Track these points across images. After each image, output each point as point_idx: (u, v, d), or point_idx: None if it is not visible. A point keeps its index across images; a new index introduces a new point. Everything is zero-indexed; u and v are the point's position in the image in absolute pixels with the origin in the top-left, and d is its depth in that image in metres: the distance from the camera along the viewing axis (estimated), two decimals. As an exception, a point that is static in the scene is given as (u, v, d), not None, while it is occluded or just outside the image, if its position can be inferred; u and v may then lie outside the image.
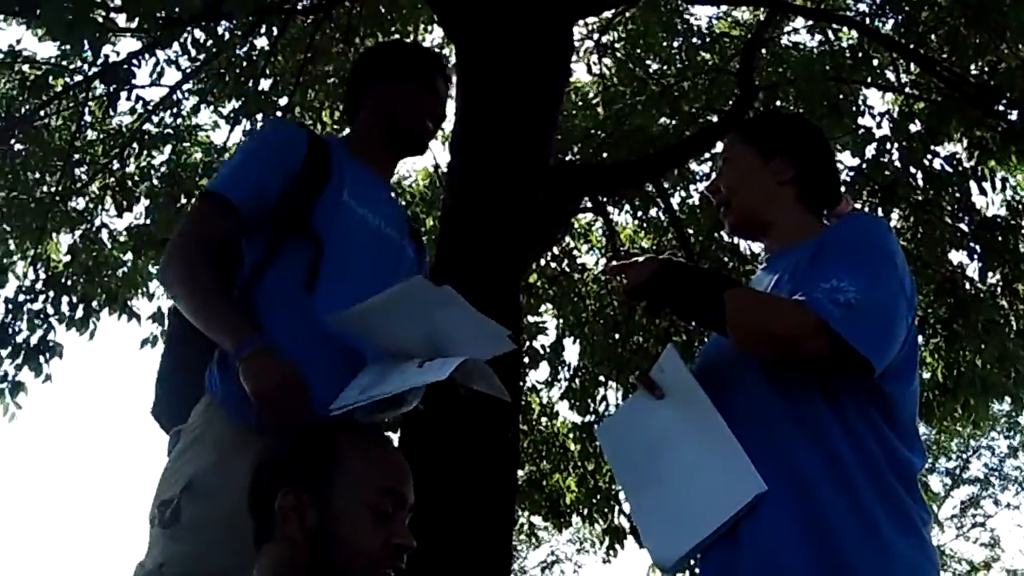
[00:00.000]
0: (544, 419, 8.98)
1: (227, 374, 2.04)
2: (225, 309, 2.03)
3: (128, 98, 6.83)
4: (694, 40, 8.16)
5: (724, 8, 8.28)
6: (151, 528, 2.00)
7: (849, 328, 1.78)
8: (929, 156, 6.45)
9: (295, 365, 1.94)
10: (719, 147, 2.29)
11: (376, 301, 1.96)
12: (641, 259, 2.06)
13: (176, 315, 2.25)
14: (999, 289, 6.67)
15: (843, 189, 2.28)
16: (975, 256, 6.50)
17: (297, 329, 2.04)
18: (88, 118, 7.60)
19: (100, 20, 5.19)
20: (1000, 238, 6.44)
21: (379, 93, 2.38)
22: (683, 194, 8.33)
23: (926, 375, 7.11)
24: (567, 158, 7.65)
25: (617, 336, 7.88)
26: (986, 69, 6.44)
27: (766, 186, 2.15)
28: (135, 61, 6.50)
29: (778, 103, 7.10)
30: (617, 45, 8.64)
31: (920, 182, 6.51)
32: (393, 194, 2.50)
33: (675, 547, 1.94)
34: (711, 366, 2.08)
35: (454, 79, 2.52)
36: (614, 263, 2.13)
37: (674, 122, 7.75)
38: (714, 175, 2.27)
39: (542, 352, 7.82)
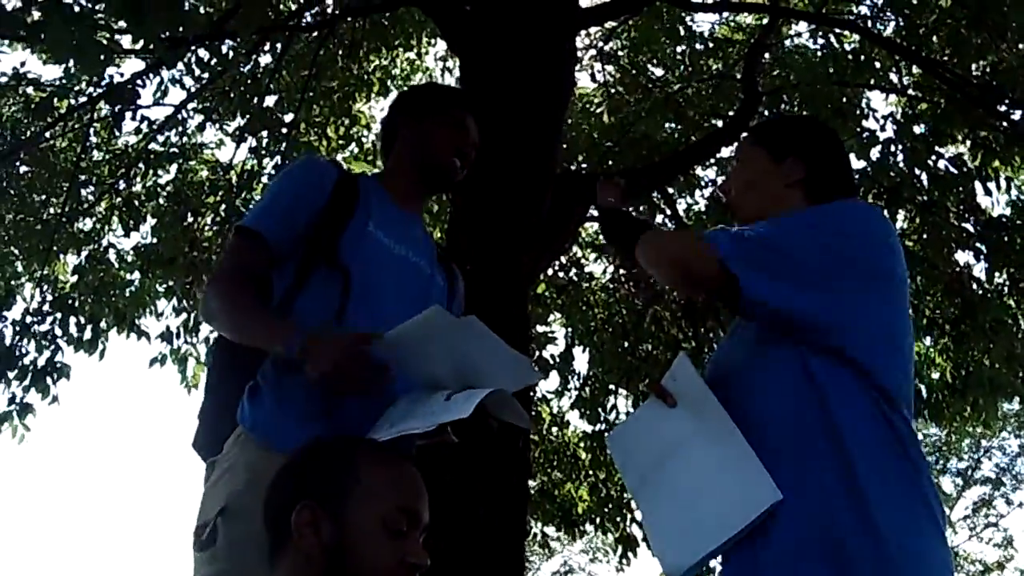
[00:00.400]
0: (555, 429, 8.98)
1: (256, 402, 2.13)
2: (268, 318, 2.12)
3: (133, 118, 6.89)
4: (697, 46, 8.18)
5: (726, 14, 8.30)
6: (193, 554, 2.05)
7: (732, 251, 1.92)
8: (933, 157, 6.46)
9: (355, 331, 2.00)
10: (725, 152, 2.33)
11: (399, 331, 1.99)
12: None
13: (217, 351, 2.35)
14: (1006, 289, 6.67)
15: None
16: (981, 256, 6.50)
17: None
18: (93, 139, 7.65)
19: (104, 42, 5.22)
20: (1006, 238, 6.43)
21: (408, 131, 2.44)
22: (689, 200, 8.34)
23: (935, 375, 7.11)
24: (573, 167, 7.66)
25: (626, 344, 7.89)
26: (988, 69, 6.44)
27: (775, 187, 2.15)
28: (139, 81, 6.53)
29: (782, 108, 7.12)
30: (621, 53, 8.66)
31: (925, 183, 6.51)
32: (424, 228, 2.54)
33: (687, 555, 1.93)
34: (722, 373, 2.07)
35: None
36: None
37: (679, 129, 7.76)
38: (724, 176, 2.31)
39: (552, 362, 7.83)
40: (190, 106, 7.37)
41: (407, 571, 1.61)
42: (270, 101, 7.53)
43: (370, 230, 2.25)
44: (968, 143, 6.65)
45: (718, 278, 1.91)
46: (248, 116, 7.13)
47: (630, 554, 8.33)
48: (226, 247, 2.35)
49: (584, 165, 7.84)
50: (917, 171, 6.47)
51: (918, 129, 6.58)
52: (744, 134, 2.33)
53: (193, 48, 6.39)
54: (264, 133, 7.39)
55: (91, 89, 6.97)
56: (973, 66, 6.56)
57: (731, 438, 1.91)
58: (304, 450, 1.73)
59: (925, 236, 6.64)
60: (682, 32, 8.12)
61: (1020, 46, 6.14)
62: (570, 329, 8.32)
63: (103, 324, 7.23)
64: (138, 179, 7.65)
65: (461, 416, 1.91)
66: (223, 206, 7.42)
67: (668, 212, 8.14)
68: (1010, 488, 20.90)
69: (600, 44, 8.58)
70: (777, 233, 1.96)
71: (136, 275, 7.54)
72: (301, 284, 2.18)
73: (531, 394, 6.73)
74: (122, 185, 7.62)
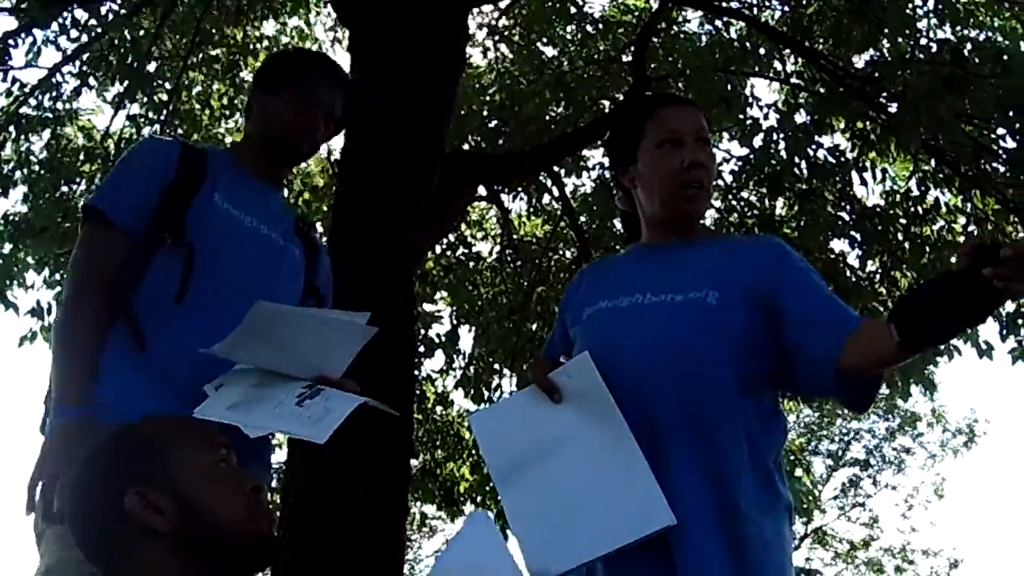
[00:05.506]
0: (439, 408, 8.97)
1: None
2: (78, 365, 2.05)
3: (3, 79, 6.58)
4: (588, 28, 8.22)
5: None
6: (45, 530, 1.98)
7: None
8: (813, 147, 6.62)
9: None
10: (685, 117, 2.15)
11: (230, 339, 1.95)
12: None
13: None
14: (878, 277, 6.88)
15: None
16: (856, 244, 6.70)
17: (168, 339, 2.09)
18: (-39, 100, 7.29)
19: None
20: (880, 227, 6.65)
21: (260, 104, 2.39)
22: (576, 181, 8.39)
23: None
24: (463, 146, 7.63)
25: (511, 324, 7.91)
26: (868, 62, 6.62)
27: None
28: (11, 41, 6.24)
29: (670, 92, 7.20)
30: (513, 32, 8.64)
31: (805, 172, 6.67)
32: (281, 199, 2.51)
33: (559, 560, 1.87)
34: (629, 369, 1.98)
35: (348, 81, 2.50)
36: None
37: (568, 110, 7.79)
38: (691, 147, 2.06)
39: (437, 340, 7.82)
40: (65, 69, 7.09)
41: (254, 496, 1.59)
42: (151, 67, 7.29)
43: (215, 202, 2.21)
44: (847, 134, 6.84)
45: None
46: (127, 82, 6.89)
47: (508, 531, 8.37)
48: (82, 237, 2.22)
49: (474, 144, 7.82)
50: (797, 160, 6.62)
51: (799, 118, 6.74)
52: (692, 105, 2.14)
53: (69, 8, 6.14)
54: (144, 100, 7.16)
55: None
56: (855, 58, 6.75)
57: (629, 452, 1.86)
58: (90, 456, 1.64)
59: (803, 223, 6.81)
60: (573, 12, 8.15)
61: (899, 40, 6.33)
62: (456, 308, 8.31)
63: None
64: (8, 144, 7.33)
65: (315, 440, 1.86)
66: (99, 175, 7.17)
67: (555, 193, 8.19)
68: (877, 470, 21.71)
69: (493, 22, 8.56)
70: None
71: (6, 245, 7.23)
72: (148, 262, 2.13)
73: (415, 372, 6.70)
74: (-9, 150, 7.30)
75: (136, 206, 2.17)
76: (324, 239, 4.80)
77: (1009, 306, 6.29)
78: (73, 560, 1.83)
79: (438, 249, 8.06)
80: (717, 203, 7.42)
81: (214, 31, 7.65)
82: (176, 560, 1.51)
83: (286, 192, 7.84)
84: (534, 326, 7.95)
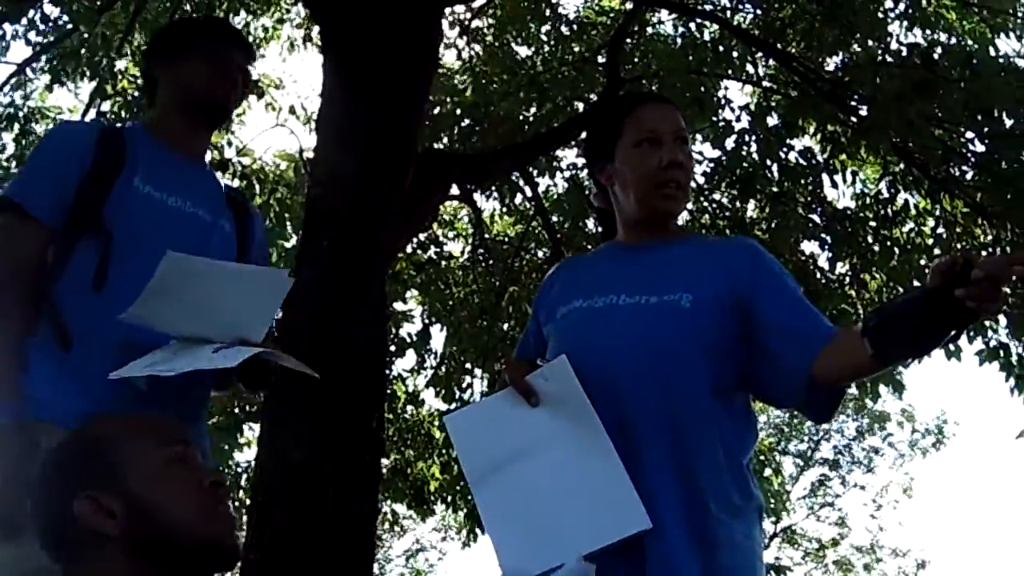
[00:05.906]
0: (410, 407, 8.95)
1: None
2: (3, 358, 2.01)
3: (-28, 74, 6.52)
4: (562, 29, 8.22)
5: (591, -2, 8.37)
6: None
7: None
8: (785, 149, 6.65)
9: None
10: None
11: (143, 296, 1.93)
12: None
13: None
14: (848, 279, 6.93)
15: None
16: (826, 246, 6.74)
17: (91, 332, 2.05)
18: (-72, 95, 7.21)
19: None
20: (849, 229, 6.69)
21: (167, 73, 2.34)
22: (549, 181, 8.39)
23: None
24: (436, 146, 7.61)
25: (483, 323, 7.90)
26: (839, 65, 6.67)
27: None
28: (-21, 36, 6.19)
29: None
30: (487, 31, 8.62)
31: (776, 174, 6.71)
32: (207, 171, 2.46)
33: (534, 563, 1.86)
34: (605, 370, 1.97)
35: (251, 49, 2.46)
36: None
37: (543, 111, 7.79)
38: (670, 147, 2.05)
39: (408, 340, 7.80)
40: (36, 65, 7.01)
41: (212, 493, 1.54)
42: (122, 64, 7.24)
43: (136, 185, 2.16)
44: (818, 136, 6.88)
45: None
46: (98, 79, 6.83)
47: (477, 530, 8.38)
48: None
49: (447, 144, 7.80)
50: (769, 162, 6.66)
51: (771, 121, 6.77)
52: (670, 104, 2.13)
53: (39, 3, 6.07)
54: (115, 97, 7.11)
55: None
56: (826, 61, 6.79)
57: (605, 455, 1.87)
58: (46, 461, 1.61)
59: (774, 225, 6.85)
60: (547, 13, 8.15)
61: (869, 43, 6.37)
62: (427, 307, 8.29)
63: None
64: (-24, 141, 7.26)
65: (228, 365, 1.89)
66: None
67: (528, 192, 8.18)
68: (846, 469, 21.85)
69: (466, 21, 8.53)
70: None
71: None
72: (67, 252, 2.08)
73: (386, 372, 6.69)
74: (-41, 145, 7.22)
75: (53, 196, 2.11)
76: (296, 238, 4.79)
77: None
78: (8, 557, 1.81)
79: (410, 248, 8.03)
80: (689, 204, 7.44)
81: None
82: (131, 564, 1.47)
83: (257, 189, 7.78)
84: (506, 326, 7.94)
